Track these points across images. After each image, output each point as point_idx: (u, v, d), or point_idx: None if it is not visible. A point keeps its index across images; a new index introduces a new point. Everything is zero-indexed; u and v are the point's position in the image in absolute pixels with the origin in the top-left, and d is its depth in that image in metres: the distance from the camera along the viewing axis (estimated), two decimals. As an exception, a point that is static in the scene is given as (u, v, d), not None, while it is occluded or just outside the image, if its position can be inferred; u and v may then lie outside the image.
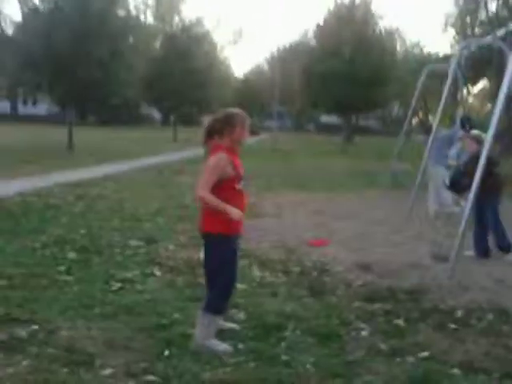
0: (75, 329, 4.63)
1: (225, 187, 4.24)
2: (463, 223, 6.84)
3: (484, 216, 7.90)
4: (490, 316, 5.38)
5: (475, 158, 7.43)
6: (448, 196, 11.66)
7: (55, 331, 4.56)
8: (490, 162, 7.10)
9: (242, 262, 6.56)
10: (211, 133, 4.38)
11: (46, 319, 4.81)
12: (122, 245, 7.64)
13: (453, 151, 13.40)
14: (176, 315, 5.03)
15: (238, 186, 4.32)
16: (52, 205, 10.72)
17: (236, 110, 4.44)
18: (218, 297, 4.42)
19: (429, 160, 11.43)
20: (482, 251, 7.97)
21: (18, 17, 56.01)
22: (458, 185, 8.30)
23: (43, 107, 68.10)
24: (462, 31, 37.65)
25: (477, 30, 36.49)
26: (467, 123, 11.83)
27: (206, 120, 4.49)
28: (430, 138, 11.46)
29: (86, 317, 4.93)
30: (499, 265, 7.51)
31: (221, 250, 4.36)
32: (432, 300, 5.79)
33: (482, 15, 37.23)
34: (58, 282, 5.89)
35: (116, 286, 5.86)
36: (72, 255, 7.00)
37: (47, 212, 9.96)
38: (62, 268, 6.40)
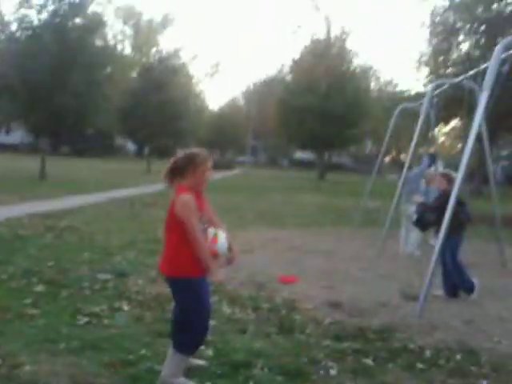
0: (39, 364, 4.55)
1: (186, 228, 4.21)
2: (432, 262, 6.88)
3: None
4: (459, 356, 5.40)
5: (445, 196, 7.53)
6: (416, 236, 11.74)
7: (19, 366, 4.48)
8: (457, 202, 7.16)
9: (211, 298, 6.52)
10: (173, 173, 4.35)
11: (9, 353, 4.72)
12: (90, 278, 7.55)
13: (420, 188, 13.58)
14: (143, 351, 4.96)
15: (201, 227, 4.28)
16: (21, 235, 10.57)
17: (198, 150, 4.40)
18: (192, 338, 4.34)
19: (401, 198, 11.56)
20: (450, 291, 8.00)
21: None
22: (423, 221, 8.36)
23: (17, 136, 67.53)
24: (435, 70, 38.24)
25: (449, 69, 37.10)
26: (431, 160, 12.06)
27: (170, 160, 4.45)
28: (402, 176, 11.61)
29: (51, 351, 4.84)
30: (468, 305, 7.55)
31: (188, 294, 4.29)
32: (401, 339, 5.80)
33: (455, 55, 37.95)
34: (23, 315, 5.78)
35: (83, 320, 5.77)
36: (39, 288, 6.89)
37: (16, 243, 9.81)
38: (29, 301, 6.29)
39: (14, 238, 10.33)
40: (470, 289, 7.93)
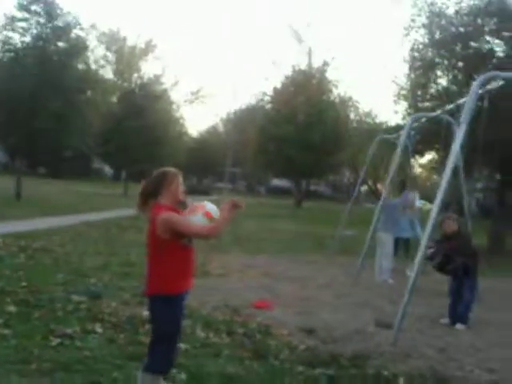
0: (10, 385, 4.48)
1: (171, 245, 4.20)
2: (408, 291, 6.92)
3: (462, 288, 8.19)
4: (431, 384, 5.41)
5: (460, 238, 7.81)
6: (389, 264, 11.86)
7: (-12, 386, 4.41)
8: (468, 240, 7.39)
9: (185, 322, 6.49)
10: (146, 196, 4.36)
11: (-21, 374, 4.65)
12: (64, 299, 7.47)
13: (404, 222, 13.70)
14: (115, 374, 4.92)
15: (184, 242, 4.28)
16: (-6, 255, 10.46)
17: (167, 168, 4.45)
18: (162, 357, 4.31)
19: (377, 226, 11.65)
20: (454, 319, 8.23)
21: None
22: (444, 268, 8.41)
23: (-9, 155, 67.00)
24: (413, 104, 38.76)
25: (427, 103, 37.60)
26: (402, 187, 12.22)
27: (141, 185, 4.45)
28: (379, 205, 11.71)
29: (22, 372, 4.78)
30: (443, 334, 7.60)
31: (166, 311, 4.27)
32: (375, 366, 5.81)
33: (433, 89, 38.51)
34: (-5, 336, 5.71)
35: (55, 341, 5.70)
36: (11, 308, 6.80)
37: (-12, 263, 9.71)
38: (1, 321, 6.21)
39: (-13, 257, 10.21)
40: (466, 321, 8.14)
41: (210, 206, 4.36)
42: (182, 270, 4.31)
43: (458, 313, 8.19)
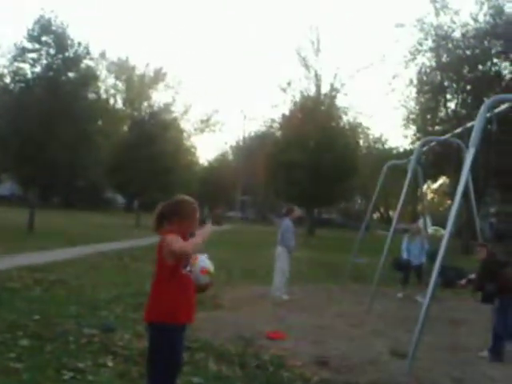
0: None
1: (175, 271, 4.21)
2: (421, 320, 6.86)
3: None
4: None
5: (491, 264, 7.69)
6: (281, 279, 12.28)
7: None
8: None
9: (197, 355, 6.47)
10: (161, 219, 4.38)
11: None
12: (76, 332, 7.46)
13: (415, 248, 13.75)
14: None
15: (184, 270, 4.27)
16: (8, 288, 10.47)
17: (186, 198, 4.47)
18: None
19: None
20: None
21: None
22: (486, 295, 8.22)
23: (6, 188, 67.28)
24: (423, 128, 38.86)
25: (437, 127, 37.70)
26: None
27: (158, 206, 4.48)
28: (390, 232, 11.67)
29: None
30: (460, 363, 7.49)
31: (164, 341, 4.23)
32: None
33: (442, 113, 38.61)
34: (8, 370, 5.70)
35: (67, 375, 5.69)
36: (24, 342, 6.79)
37: (3, 296, 9.71)
38: (13, 355, 6.20)
39: (2, 290, 10.22)
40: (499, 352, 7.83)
41: (202, 263, 4.39)
42: (183, 299, 4.28)
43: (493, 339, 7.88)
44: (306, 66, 51.75)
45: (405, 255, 14.04)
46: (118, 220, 43.97)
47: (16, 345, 6.65)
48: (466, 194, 7.56)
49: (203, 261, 4.39)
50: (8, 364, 5.89)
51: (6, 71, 39.38)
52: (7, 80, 38.62)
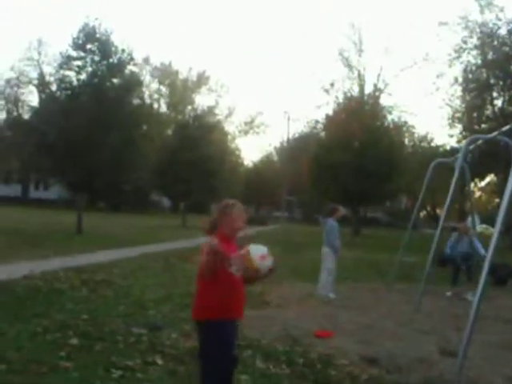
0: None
1: (219, 272, 4.19)
2: (472, 317, 6.72)
3: None
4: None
5: None
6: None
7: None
8: None
9: (245, 353, 6.46)
10: (211, 230, 4.47)
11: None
12: (124, 332, 7.53)
13: (462, 247, 13.62)
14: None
15: (230, 270, 4.22)
16: (57, 289, 10.64)
17: (231, 201, 4.57)
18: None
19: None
20: None
21: (34, 102, 57.48)
22: None
23: (54, 191, 68.42)
24: (469, 126, 38.34)
25: (483, 125, 37.17)
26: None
27: (215, 209, 4.59)
28: (438, 231, 11.50)
29: (85, 405, 4.82)
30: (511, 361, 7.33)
31: (214, 337, 4.28)
32: (440, 396, 5.65)
33: (488, 111, 38.02)
34: (57, 368, 5.78)
35: (117, 373, 5.74)
36: (74, 341, 6.88)
37: (51, 296, 9.88)
38: (63, 354, 6.29)
39: (50, 291, 10.40)
40: None
41: (255, 251, 4.32)
42: (231, 295, 4.30)
43: None
44: (349, 67, 51.63)
45: (448, 251, 14.01)
46: (163, 222, 44.35)
47: (66, 344, 6.74)
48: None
49: (255, 249, 4.32)
50: (58, 363, 5.97)
51: (52, 79, 40.17)
52: (53, 88, 39.38)
